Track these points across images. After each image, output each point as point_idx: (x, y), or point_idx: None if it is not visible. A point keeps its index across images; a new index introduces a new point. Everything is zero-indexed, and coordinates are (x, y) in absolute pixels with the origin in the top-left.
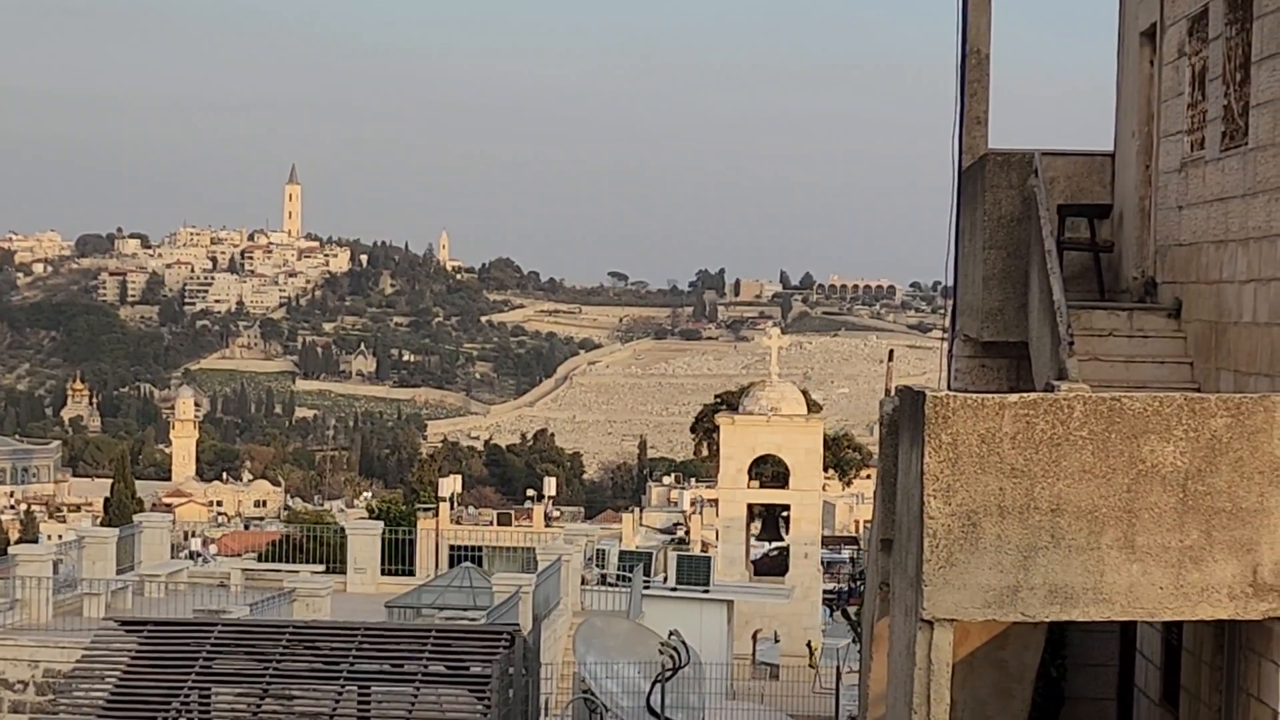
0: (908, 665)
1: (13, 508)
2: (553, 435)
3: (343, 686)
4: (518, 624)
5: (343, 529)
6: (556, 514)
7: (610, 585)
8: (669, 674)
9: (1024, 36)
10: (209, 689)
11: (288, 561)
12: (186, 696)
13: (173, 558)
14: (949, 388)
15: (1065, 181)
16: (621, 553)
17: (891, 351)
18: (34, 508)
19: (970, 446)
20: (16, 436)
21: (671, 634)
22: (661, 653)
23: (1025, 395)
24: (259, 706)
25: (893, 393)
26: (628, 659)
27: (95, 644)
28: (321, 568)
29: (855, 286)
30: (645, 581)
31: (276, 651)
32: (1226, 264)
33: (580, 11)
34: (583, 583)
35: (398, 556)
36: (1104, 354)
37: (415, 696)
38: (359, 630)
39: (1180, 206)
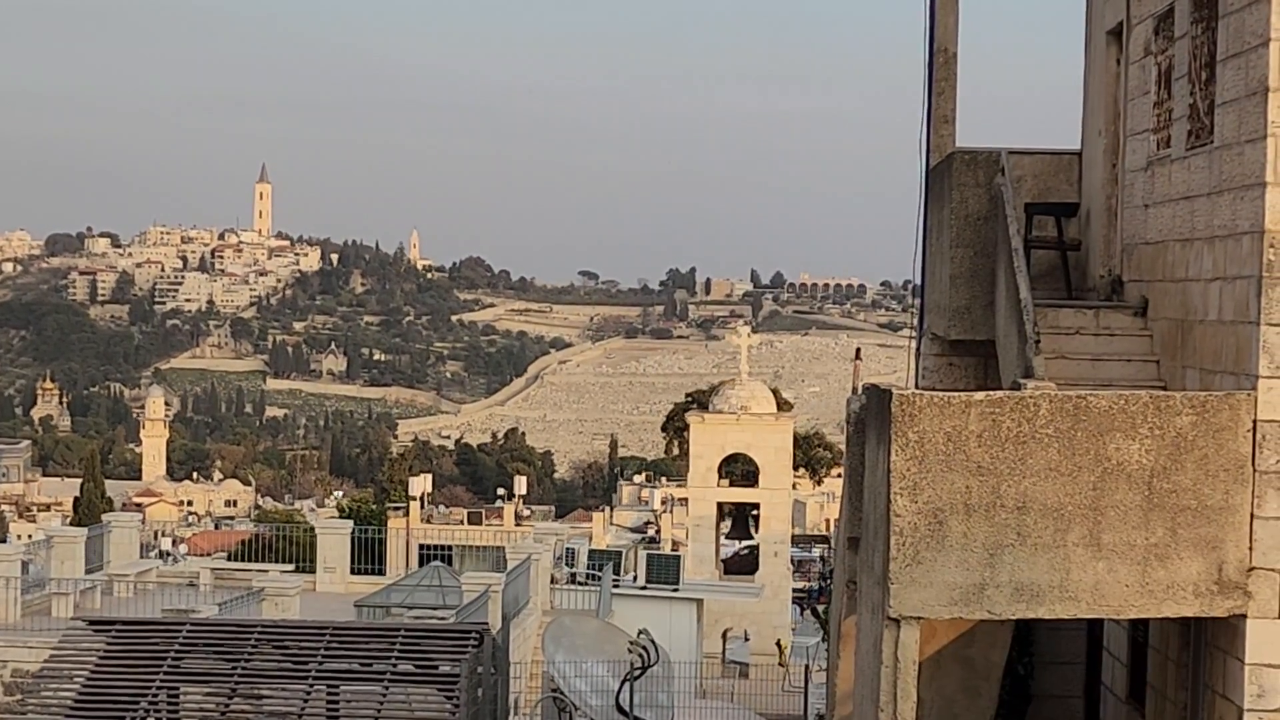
0: (875, 663)
1: None
2: (523, 434)
3: (311, 685)
4: (487, 623)
5: (312, 528)
6: (527, 513)
7: (580, 584)
8: (638, 673)
9: (992, 35)
10: (177, 688)
11: (258, 561)
12: (155, 696)
13: (143, 557)
14: (917, 386)
15: (1033, 180)
16: (591, 552)
17: (859, 350)
18: (3, 507)
19: (936, 445)
20: None
21: (641, 633)
22: (630, 651)
23: (991, 393)
24: (227, 706)
25: (859, 391)
26: (597, 658)
27: (63, 644)
28: (291, 567)
29: (826, 285)
30: (615, 580)
31: (245, 651)
32: (1192, 262)
33: (551, 11)
34: (552, 582)
35: (368, 556)
36: (1071, 352)
37: (384, 695)
38: (328, 629)
39: (1146, 205)
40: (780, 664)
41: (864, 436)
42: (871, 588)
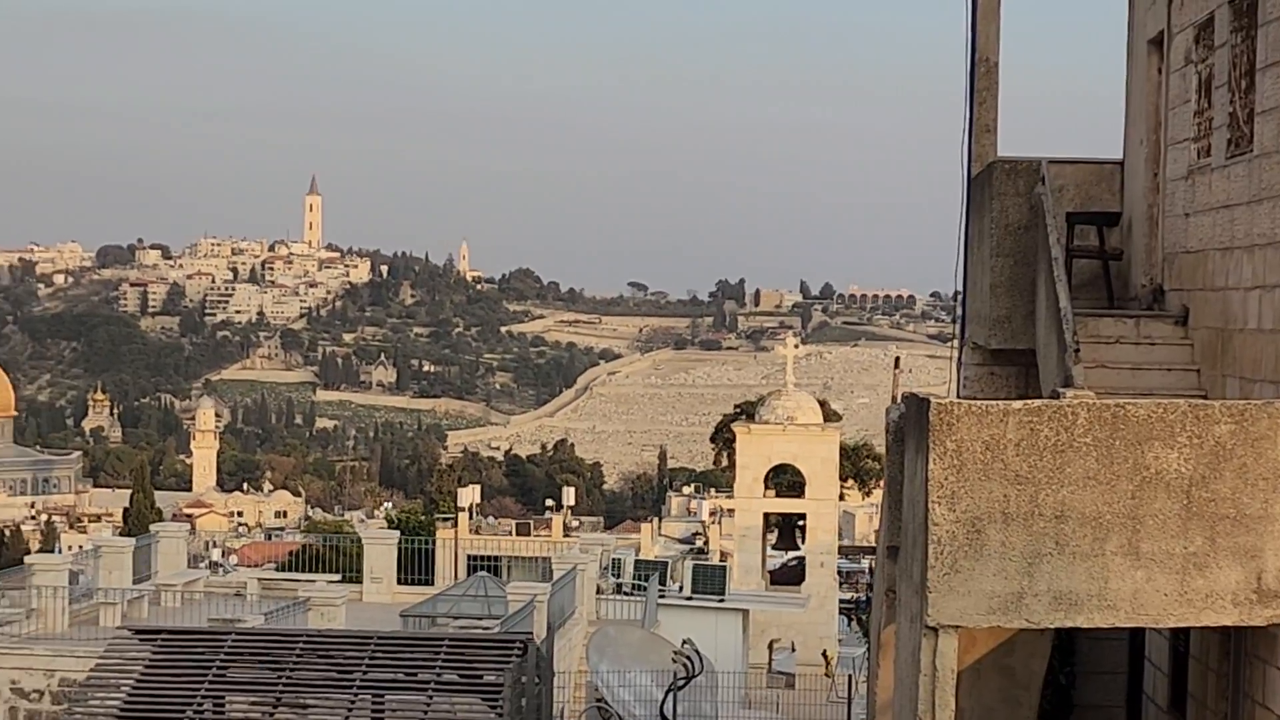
0: (913, 672)
1: (33, 518)
2: (573, 445)
3: (355, 695)
4: (531, 633)
5: (360, 539)
6: (576, 524)
7: (625, 595)
8: (682, 682)
9: (1033, 44)
10: (222, 697)
11: (307, 571)
12: (200, 705)
13: (194, 568)
14: (958, 395)
15: (1075, 189)
16: (637, 562)
17: (898, 359)
18: (54, 518)
19: (975, 453)
20: (37, 447)
21: (685, 643)
22: (675, 661)
23: (1029, 402)
24: (272, 715)
25: (899, 400)
26: (641, 667)
27: (109, 653)
28: (338, 577)
29: (875, 296)
30: (660, 591)
31: (290, 660)
32: (1232, 271)
33: (600, 23)
34: (598, 592)
35: (417, 566)
36: (1110, 361)
37: (428, 705)
38: (372, 639)
39: (1187, 214)
40: (826, 674)
41: (903, 446)
42: (910, 596)
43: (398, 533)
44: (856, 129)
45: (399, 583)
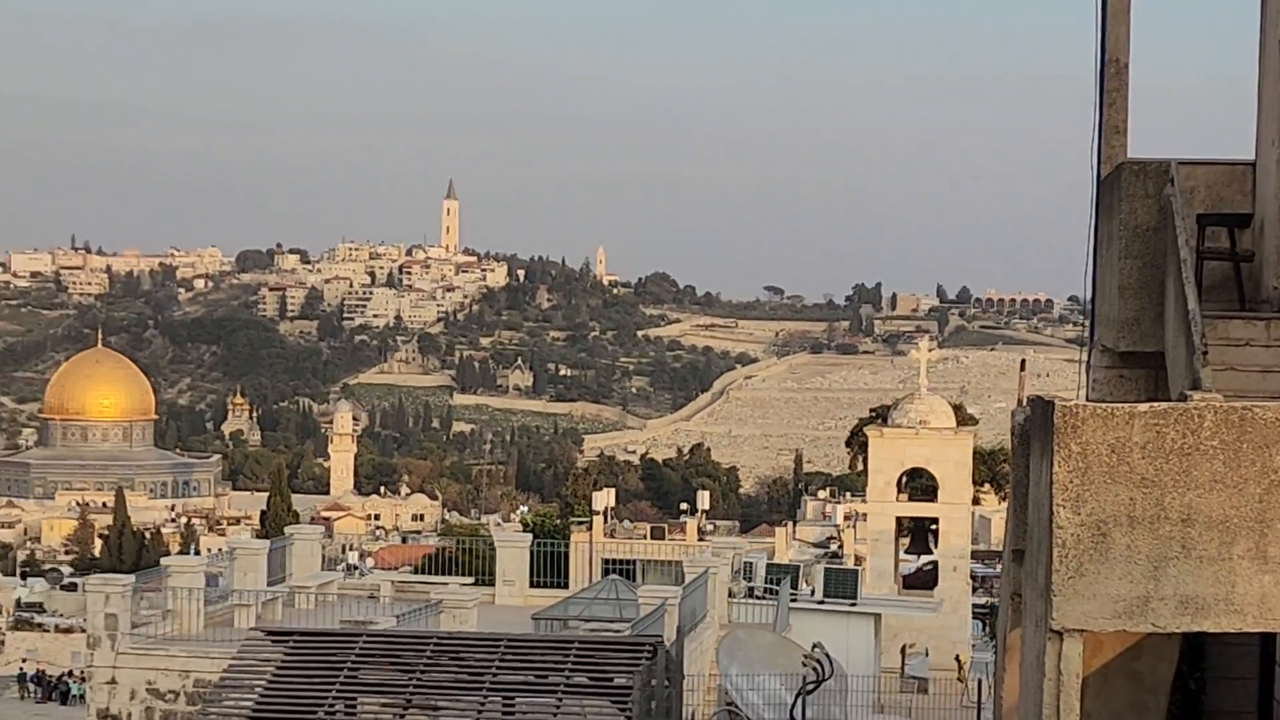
0: (1038, 676)
1: (173, 520)
2: (708, 449)
3: (485, 697)
4: (661, 636)
5: (493, 542)
6: (710, 528)
7: (757, 598)
8: (812, 686)
9: (1164, 45)
10: (354, 699)
11: (441, 574)
12: (331, 706)
13: (330, 570)
14: (1087, 398)
15: (1205, 190)
16: (769, 566)
17: (1023, 362)
18: (194, 521)
19: (1100, 456)
20: (178, 450)
21: (815, 646)
22: (805, 665)
23: (1155, 405)
24: (402, 717)
25: (1024, 403)
26: (771, 671)
27: (242, 654)
28: (471, 580)
29: (1012, 300)
30: (792, 595)
31: (421, 662)
32: None
33: (733, 27)
34: (729, 595)
35: (551, 570)
36: (1240, 364)
37: (558, 707)
38: (502, 641)
39: None
40: (959, 679)
41: (1028, 449)
42: (1035, 600)
43: (530, 536)
44: (993, 130)
45: (532, 586)
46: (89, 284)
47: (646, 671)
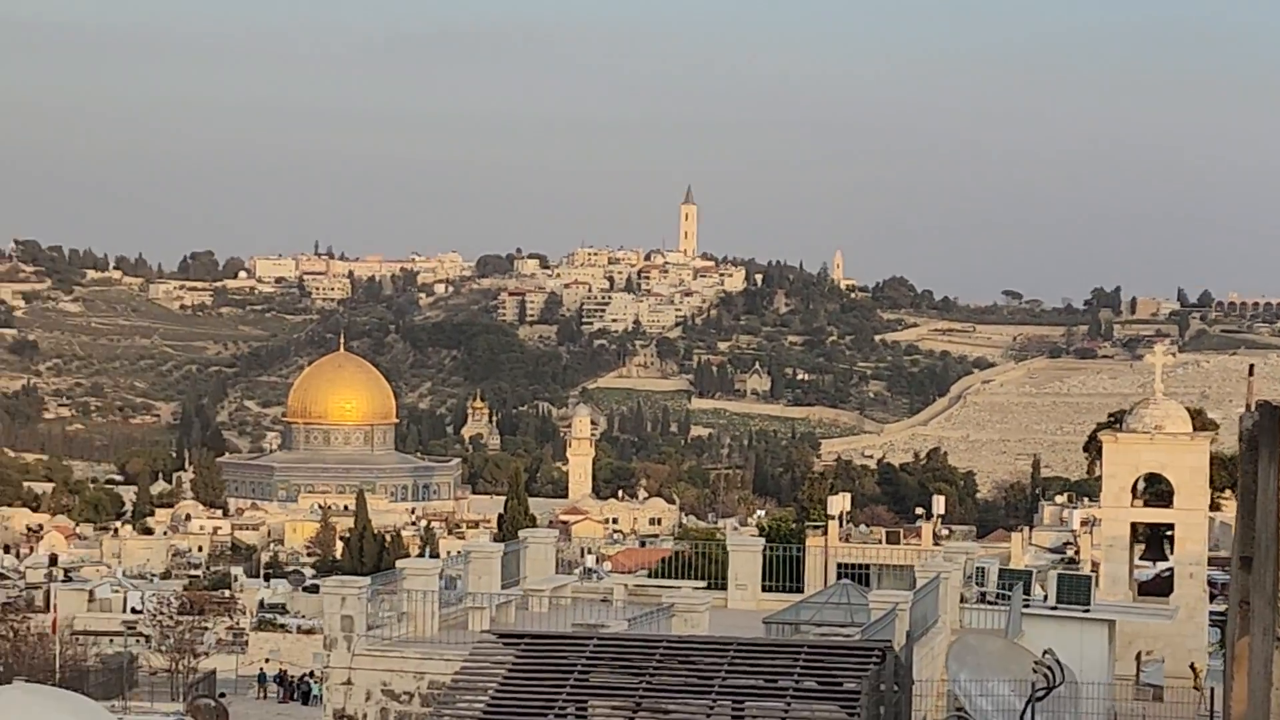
0: (1265, 685)
1: (414, 523)
2: (945, 454)
3: (714, 701)
4: (890, 640)
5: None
6: (946, 533)
7: (989, 604)
8: (1042, 693)
9: None
10: (584, 702)
11: (676, 578)
12: (562, 709)
13: (566, 573)
14: None
15: None
16: (1001, 571)
17: (1251, 367)
18: (433, 523)
19: None
20: (419, 454)
21: (1046, 653)
22: (1035, 671)
23: None
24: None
25: (1252, 408)
26: (1001, 677)
27: (474, 656)
28: (704, 584)
29: (1255, 304)
30: (1025, 600)
31: (650, 665)
32: None
33: (972, 34)
34: (961, 600)
35: (786, 574)
36: None
37: (787, 711)
38: (732, 645)
39: None
40: (1195, 687)
41: (1255, 455)
42: (1263, 608)
43: (763, 540)
44: (1237, 133)
45: (766, 590)
46: (332, 289)
47: (875, 676)
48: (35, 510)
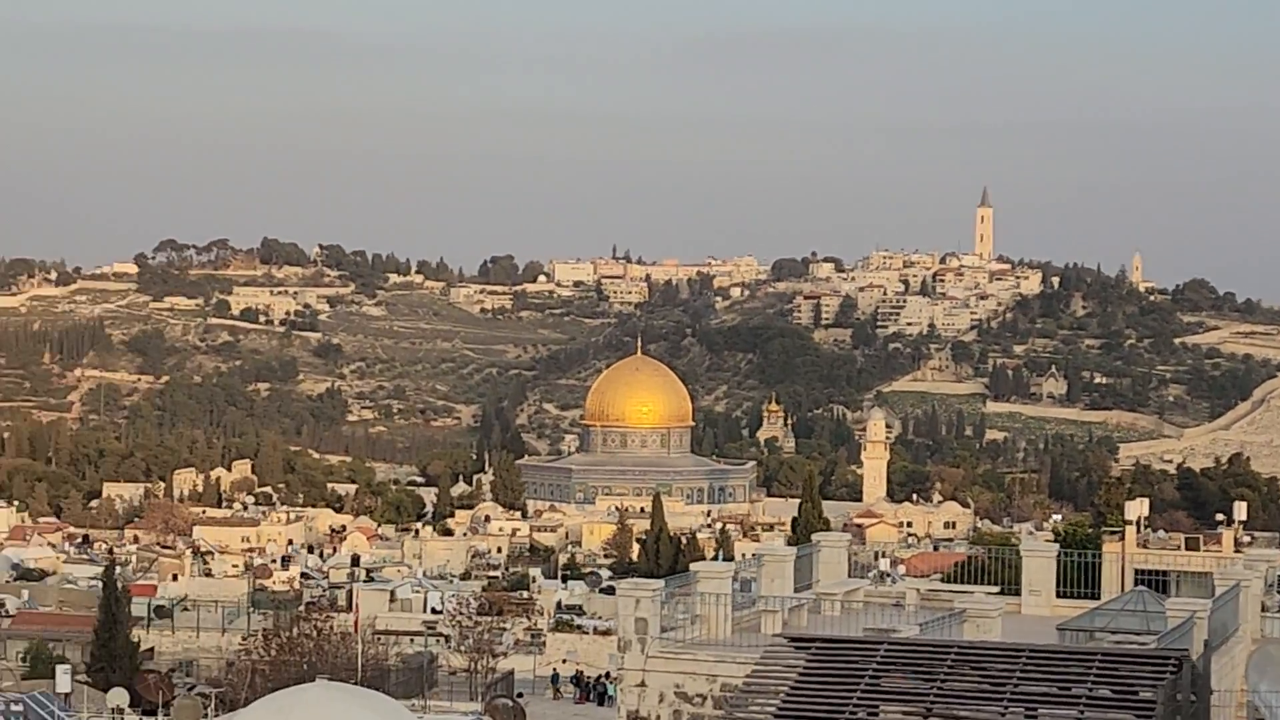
0: None
1: (709, 526)
2: (1248, 459)
3: (1006, 707)
4: (1186, 650)
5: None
6: (1247, 540)
7: None
8: None
9: None
10: (875, 706)
11: (970, 583)
12: (853, 712)
13: (859, 577)
14: None
15: None
16: None
17: None
18: (728, 526)
19: None
20: (714, 457)
21: None
22: None
23: None
24: None
25: None
26: None
27: (766, 659)
28: (997, 589)
29: None
30: None
31: (941, 671)
32: None
33: (1270, 32)
34: (1263, 609)
35: (1081, 580)
36: None
37: None
38: (1024, 652)
39: None
40: None
41: None
42: None
43: (1057, 545)
44: None
45: (1061, 596)
46: (629, 293)
47: (1172, 686)
48: (338, 511)
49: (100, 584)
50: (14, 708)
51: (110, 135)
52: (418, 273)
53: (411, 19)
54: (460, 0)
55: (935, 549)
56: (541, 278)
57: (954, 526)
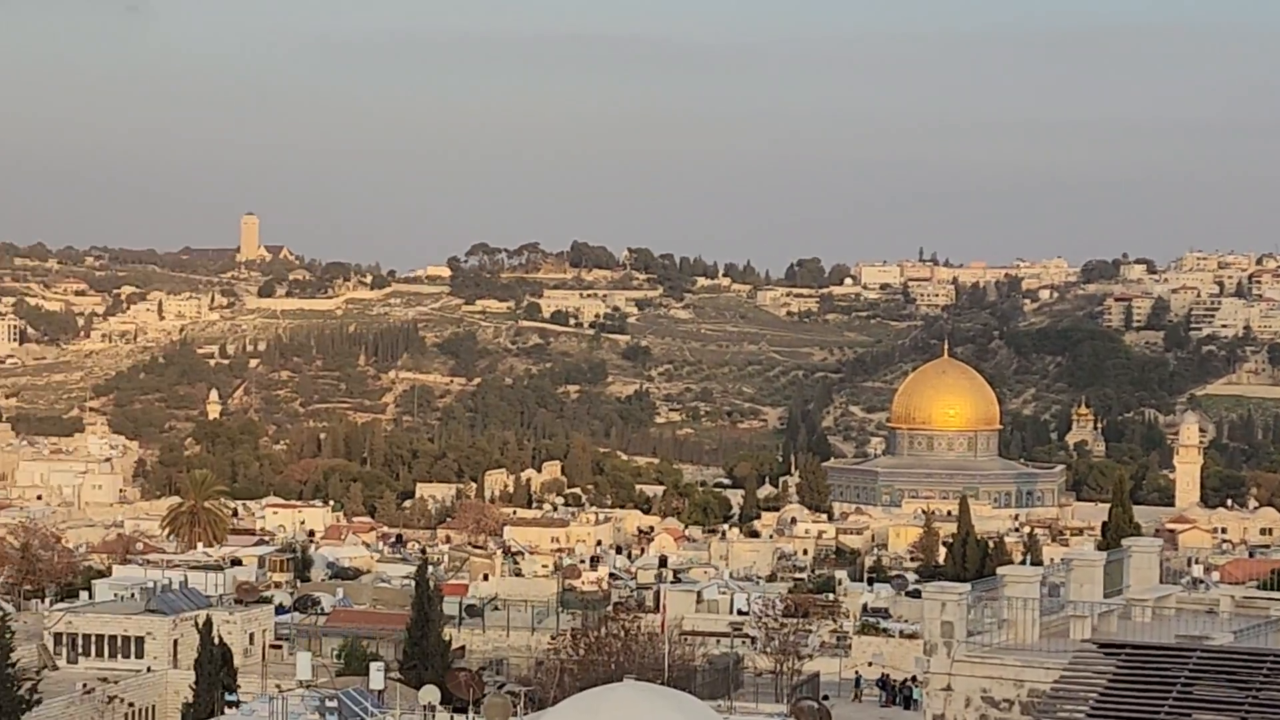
0: None
1: (1016, 530)
2: None
3: None
4: None
5: None
6: None
7: None
8: None
9: None
10: (1188, 715)
11: None
12: None
13: (1172, 583)
14: None
15: None
16: None
17: None
18: (1037, 530)
19: None
20: (1022, 460)
21: None
22: None
23: None
24: None
25: None
26: None
27: (1074, 665)
28: None
29: None
30: None
31: (1258, 680)
32: None
33: None
34: None
35: None
36: None
37: None
38: None
39: None
40: None
41: None
42: None
43: None
44: None
45: None
46: (936, 295)
47: None
48: (646, 513)
49: (413, 583)
50: (329, 704)
51: (424, 142)
52: (725, 276)
53: (732, 24)
54: (778, 4)
55: (1251, 555)
56: (848, 280)
57: (1271, 533)
